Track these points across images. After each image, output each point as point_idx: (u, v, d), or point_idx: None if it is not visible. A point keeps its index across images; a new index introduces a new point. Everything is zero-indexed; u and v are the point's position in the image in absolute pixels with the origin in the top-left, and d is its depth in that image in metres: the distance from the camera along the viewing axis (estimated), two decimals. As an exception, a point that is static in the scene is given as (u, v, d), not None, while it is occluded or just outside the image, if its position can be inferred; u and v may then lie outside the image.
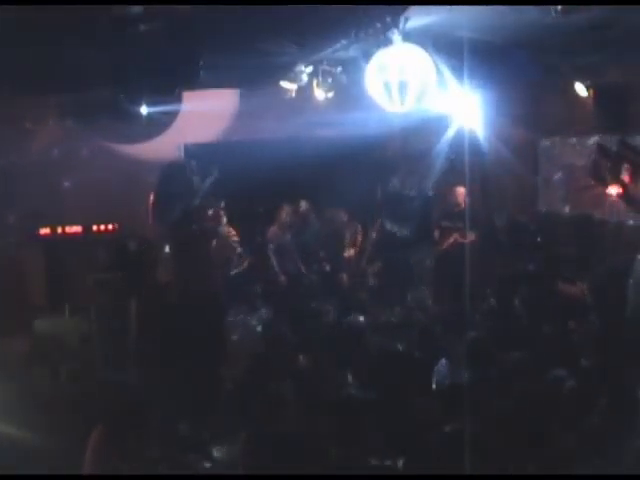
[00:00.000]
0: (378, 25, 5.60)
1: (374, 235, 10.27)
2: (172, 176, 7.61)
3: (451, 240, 9.60)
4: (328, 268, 10.12)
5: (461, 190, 9.61)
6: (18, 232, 9.17)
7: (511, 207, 10.32)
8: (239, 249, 9.08)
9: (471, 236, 9.31)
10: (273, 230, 9.99)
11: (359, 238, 10.41)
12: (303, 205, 10.24)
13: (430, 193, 10.35)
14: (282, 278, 9.80)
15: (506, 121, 9.91)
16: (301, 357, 6.56)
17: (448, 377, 5.77)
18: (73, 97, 8.09)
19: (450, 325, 7.29)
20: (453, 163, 9.73)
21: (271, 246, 9.87)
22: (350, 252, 10.32)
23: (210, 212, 7.92)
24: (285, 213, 10.00)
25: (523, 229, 9.99)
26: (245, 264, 9.31)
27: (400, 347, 6.76)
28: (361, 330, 7.48)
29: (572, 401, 5.01)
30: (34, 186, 9.15)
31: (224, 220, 8.87)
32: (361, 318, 8.32)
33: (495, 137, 9.49)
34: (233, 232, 9.02)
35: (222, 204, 8.51)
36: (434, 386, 5.69)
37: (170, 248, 7.74)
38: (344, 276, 10.15)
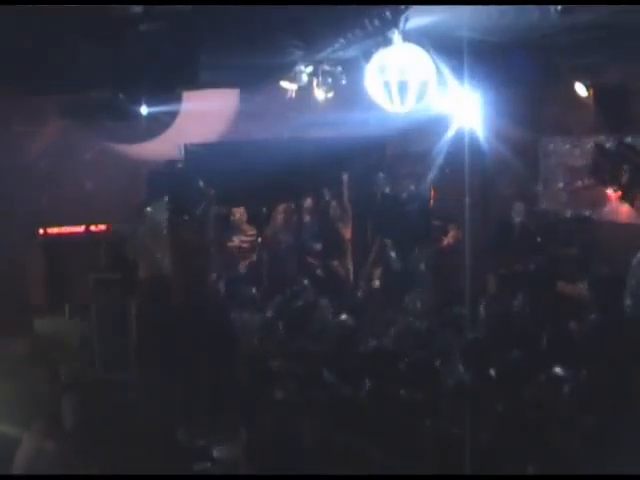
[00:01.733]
0: (378, 25, 5.59)
1: (376, 239, 10.25)
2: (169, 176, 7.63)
3: (445, 239, 9.59)
4: (328, 269, 10.11)
5: (452, 189, 9.61)
6: (18, 232, 9.17)
7: (511, 207, 10.30)
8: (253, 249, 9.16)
9: (461, 235, 9.28)
10: (270, 231, 9.98)
11: (355, 239, 10.41)
12: (300, 204, 10.21)
13: (429, 194, 10.34)
14: (281, 279, 9.79)
15: (506, 121, 9.90)
16: (301, 358, 6.55)
17: (448, 378, 5.77)
18: (73, 97, 8.09)
19: (449, 326, 7.28)
20: (452, 167, 9.73)
21: (269, 247, 9.87)
22: (348, 253, 10.31)
23: (212, 213, 7.94)
24: (282, 214, 9.97)
25: (523, 229, 9.98)
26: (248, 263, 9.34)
27: (400, 348, 6.75)
28: (360, 331, 7.47)
29: (572, 401, 5.01)
30: (34, 186, 9.16)
31: (244, 218, 8.97)
32: (361, 320, 8.30)
33: (495, 137, 9.48)
34: (252, 232, 9.08)
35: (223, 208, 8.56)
36: (435, 387, 5.69)
37: (170, 248, 7.75)
38: (344, 278, 10.13)
